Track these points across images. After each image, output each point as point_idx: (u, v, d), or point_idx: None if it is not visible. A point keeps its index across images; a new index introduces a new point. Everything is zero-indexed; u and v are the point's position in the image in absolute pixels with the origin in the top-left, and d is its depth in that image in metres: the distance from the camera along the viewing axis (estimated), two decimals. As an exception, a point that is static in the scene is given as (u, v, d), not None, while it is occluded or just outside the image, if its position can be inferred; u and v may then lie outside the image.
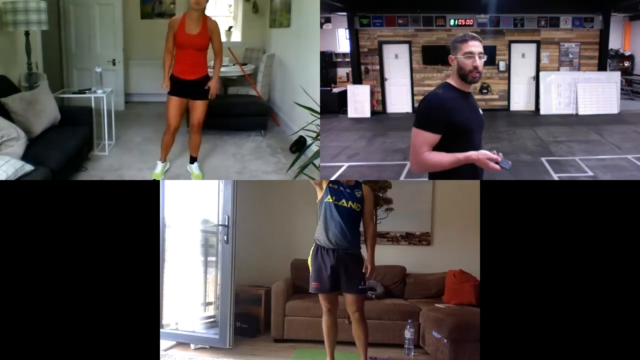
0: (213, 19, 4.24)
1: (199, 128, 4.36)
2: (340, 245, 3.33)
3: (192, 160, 4.54)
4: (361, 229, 3.45)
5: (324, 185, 3.41)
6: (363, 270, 3.36)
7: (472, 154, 2.19)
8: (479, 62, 2.30)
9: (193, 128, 4.36)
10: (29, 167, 3.34)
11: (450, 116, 2.25)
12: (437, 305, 4.45)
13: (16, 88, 4.49)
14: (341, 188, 3.39)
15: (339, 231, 3.33)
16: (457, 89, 2.34)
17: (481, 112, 2.46)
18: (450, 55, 2.34)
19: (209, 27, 4.11)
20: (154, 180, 4.37)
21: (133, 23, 7.34)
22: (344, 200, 3.35)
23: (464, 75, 2.30)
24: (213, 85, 4.20)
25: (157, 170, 4.47)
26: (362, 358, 3.47)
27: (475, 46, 2.30)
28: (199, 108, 4.26)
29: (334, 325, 3.46)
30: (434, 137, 2.24)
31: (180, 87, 4.15)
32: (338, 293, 3.43)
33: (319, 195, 3.44)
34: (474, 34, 2.34)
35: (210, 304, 4.34)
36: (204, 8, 4.08)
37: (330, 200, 3.35)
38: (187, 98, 4.21)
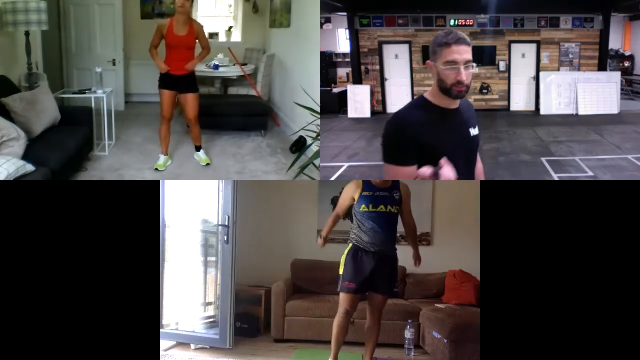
0: (199, 21, 4.71)
1: (196, 120, 4.69)
2: (380, 248, 3.27)
3: (198, 148, 4.85)
4: None
5: (357, 195, 3.27)
6: (415, 265, 3.41)
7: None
8: (465, 74, 1.76)
9: (190, 122, 4.70)
10: (30, 167, 3.34)
11: (420, 142, 1.77)
12: (437, 305, 4.45)
13: (16, 88, 4.49)
14: (377, 193, 3.25)
15: (379, 237, 3.25)
16: (434, 105, 1.83)
17: (475, 131, 1.93)
18: (428, 61, 1.83)
19: (195, 29, 4.52)
20: (154, 180, 4.38)
21: (133, 23, 7.34)
22: (382, 206, 3.24)
23: (446, 90, 1.78)
24: (191, 62, 4.51)
25: (160, 161, 4.74)
26: (367, 358, 3.46)
27: (461, 52, 1.75)
28: (190, 101, 4.60)
29: (346, 328, 3.36)
30: (407, 170, 1.79)
31: (170, 81, 4.52)
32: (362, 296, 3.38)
33: (346, 200, 3.34)
34: (461, 35, 1.79)
35: (210, 304, 4.34)
36: (188, 11, 4.45)
37: (366, 209, 3.24)
38: (176, 91, 4.57)
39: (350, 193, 3.31)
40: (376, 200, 3.24)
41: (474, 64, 1.80)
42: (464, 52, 1.76)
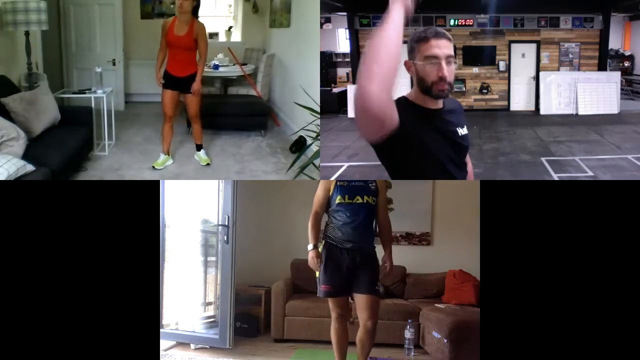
0: (201, 22, 4.51)
1: (197, 118, 4.70)
2: (356, 244, 2.97)
3: (198, 147, 4.85)
4: None
5: (332, 186, 3.05)
6: (383, 270, 2.99)
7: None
8: (447, 70, 1.65)
9: (192, 119, 4.72)
10: (30, 167, 3.34)
11: (402, 137, 1.63)
12: (437, 305, 4.45)
13: (16, 88, 4.49)
14: (352, 183, 3.03)
15: (354, 232, 2.97)
16: (415, 105, 1.72)
17: (462, 132, 1.81)
18: (406, 60, 1.69)
19: (195, 30, 4.43)
20: (154, 180, 4.38)
21: (133, 23, 7.34)
22: (358, 197, 2.97)
23: (427, 89, 1.67)
24: (195, 85, 4.48)
25: (159, 160, 4.73)
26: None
27: (441, 46, 1.64)
28: (192, 101, 4.59)
29: (345, 334, 3.07)
30: None
31: (173, 82, 4.50)
32: (349, 296, 3.08)
33: (321, 192, 3.10)
34: (441, 30, 1.70)
35: (210, 304, 4.34)
36: (190, 11, 4.36)
37: (342, 201, 2.98)
38: (179, 91, 4.55)
39: (326, 185, 3.07)
40: (352, 190, 2.98)
41: (456, 60, 1.71)
42: (445, 47, 1.65)
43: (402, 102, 1.70)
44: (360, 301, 2.99)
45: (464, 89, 8.94)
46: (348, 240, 2.99)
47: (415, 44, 1.68)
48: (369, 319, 2.97)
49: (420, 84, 1.69)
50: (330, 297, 3.03)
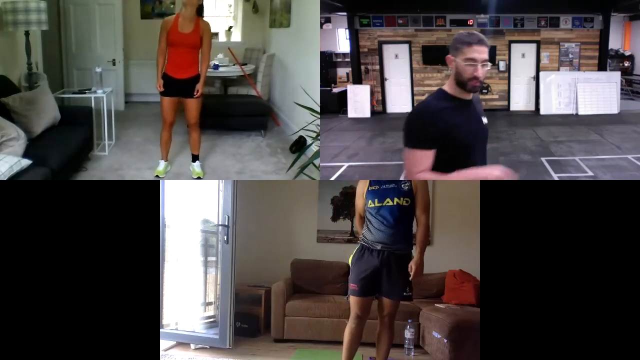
0: (206, 20, 4.31)
1: (196, 125, 4.42)
2: (385, 246, 3.00)
3: (194, 158, 4.58)
4: None
5: (365, 190, 3.08)
6: (410, 272, 2.97)
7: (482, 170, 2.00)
8: (481, 71, 2.02)
9: (190, 126, 4.42)
10: (26, 162, 3.28)
11: (443, 129, 1.99)
12: (437, 305, 4.45)
13: (16, 88, 4.49)
14: (383, 186, 3.04)
15: (384, 234, 2.99)
16: (452, 96, 2.07)
17: (485, 120, 2.18)
18: (449, 55, 2.05)
19: (201, 27, 4.18)
20: (154, 180, 4.37)
21: (133, 23, 7.35)
22: (388, 199, 3.00)
23: (462, 83, 2.02)
24: (199, 86, 4.24)
25: (160, 167, 4.55)
26: None
27: (480, 52, 2.00)
28: (192, 106, 4.31)
29: (359, 336, 3.07)
30: (427, 154, 1.99)
31: (173, 87, 4.21)
32: (374, 298, 3.09)
33: (358, 199, 3.14)
34: (482, 37, 2.04)
35: (210, 304, 4.34)
36: (197, 6, 4.13)
37: (372, 205, 3.02)
38: (179, 97, 4.26)
39: (360, 190, 3.13)
40: (382, 193, 3.02)
41: (489, 63, 2.04)
42: (483, 52, 2.01)
43: (441, 94, 2.07)
44: (383, 302, 3.07)
45: (464, 89, 8.93)
46: (378, 241, 3.02)
47: (459, 44, 2.02)
48: (386, 316, 3.09)
49: (458, 77, 2.03)
50: (356, 297, 3.03)
